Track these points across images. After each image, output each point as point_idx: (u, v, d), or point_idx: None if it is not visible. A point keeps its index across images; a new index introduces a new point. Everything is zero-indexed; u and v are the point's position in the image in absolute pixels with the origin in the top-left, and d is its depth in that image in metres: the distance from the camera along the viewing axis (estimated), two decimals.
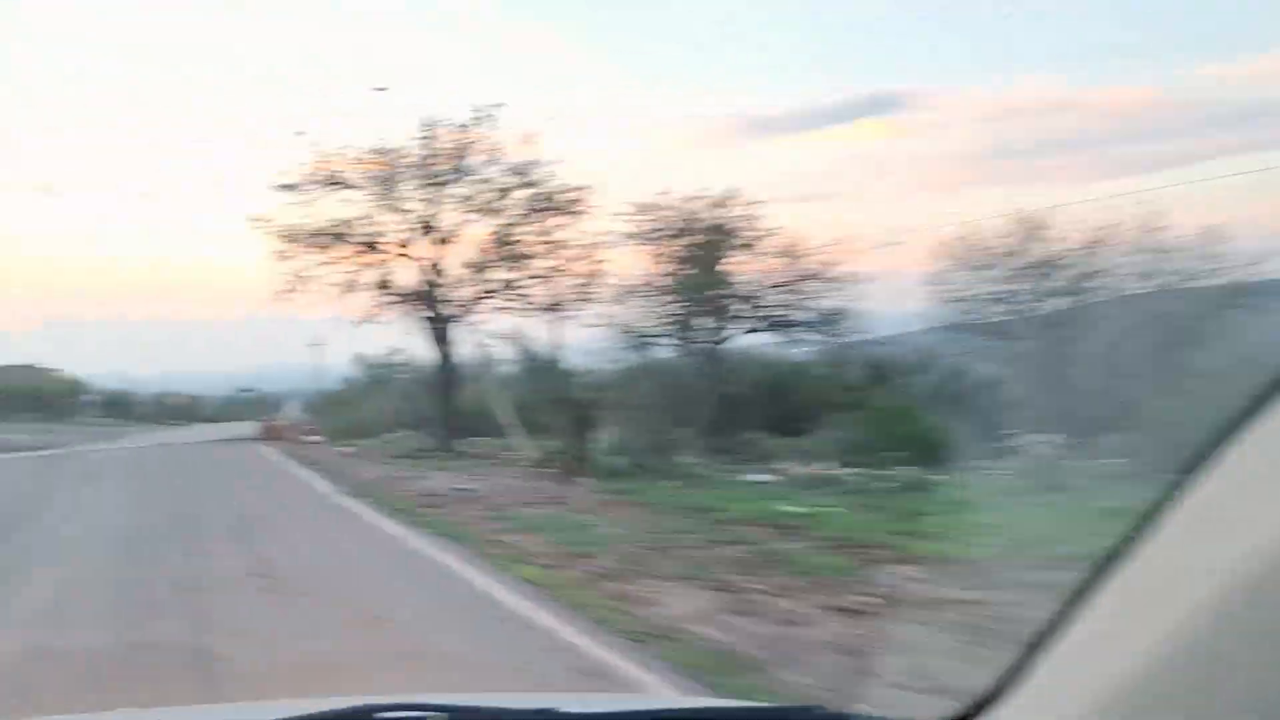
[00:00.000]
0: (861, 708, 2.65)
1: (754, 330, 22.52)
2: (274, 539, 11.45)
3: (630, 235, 22.08)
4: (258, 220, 20.80)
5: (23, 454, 27.22)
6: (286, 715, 1.30)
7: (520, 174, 20.35)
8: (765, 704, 2.22)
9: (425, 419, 25.40)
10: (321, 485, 16.59)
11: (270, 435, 28.46)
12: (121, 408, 65.36)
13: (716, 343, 21.77)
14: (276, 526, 12.48)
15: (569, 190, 20.55)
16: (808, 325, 21.94)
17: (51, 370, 64.72)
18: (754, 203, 22.41)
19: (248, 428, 41.65)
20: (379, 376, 62.17)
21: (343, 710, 1.32)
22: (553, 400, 18.21)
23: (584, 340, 22.01)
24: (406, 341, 21.76)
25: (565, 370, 20.89)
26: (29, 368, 62.63)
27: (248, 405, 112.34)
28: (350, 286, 20.94)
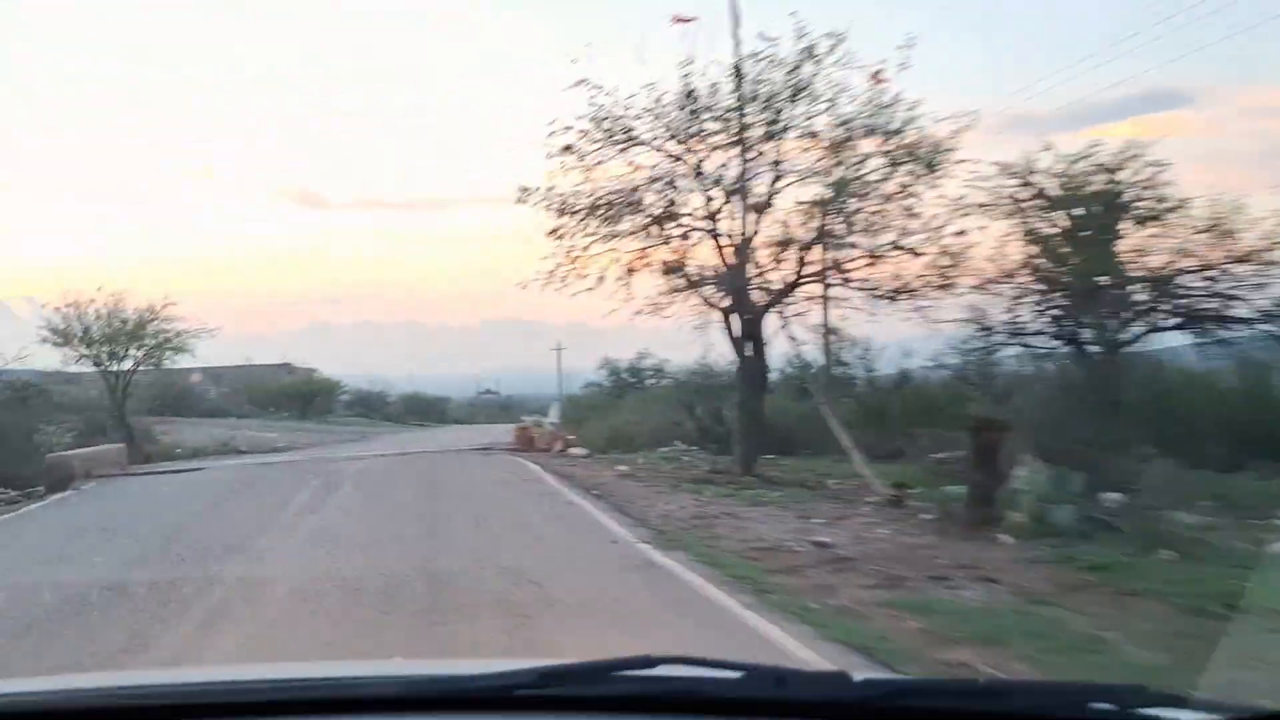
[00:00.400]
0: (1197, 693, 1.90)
1: (1160, 328, 16.59)
2: (566, 626, 7.07)
3: (990, 205, 16.70)
4: (526, 191, 16.66)
5: (264, 457, 24.84)
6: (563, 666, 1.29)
7: (874, 121, 15.27)
8: (1091, 682, 2.15)
9: (704, 430, 21.10)
10: (612, 524, 12.18)
11: (527, 444, 23.69)
12: (372, 406, 65.28)
13: (1118, 344, 15.99)
14: (569, 604, 8.02)
15: (932, 142, 15.29)
16: (1251, 320, 15.80)
17: (308, 369, 65.53)
18: (1158, 165, 16.52)
19: (498, 432, 38.91)
20: (629, 381, 59.09)
21: (631, 658, 1.34)
22: (915, 412, 13.15)
23: (928, 337, 16.73)
24: (698, 339, 16.94)
25: (946, 379, 15.79)
26: (285, 366, 63.56)
27: (489, 408, 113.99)
28: (633, 269, 16.56)
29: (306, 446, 29.19)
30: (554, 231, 16.25)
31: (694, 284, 16.54)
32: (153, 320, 24.65)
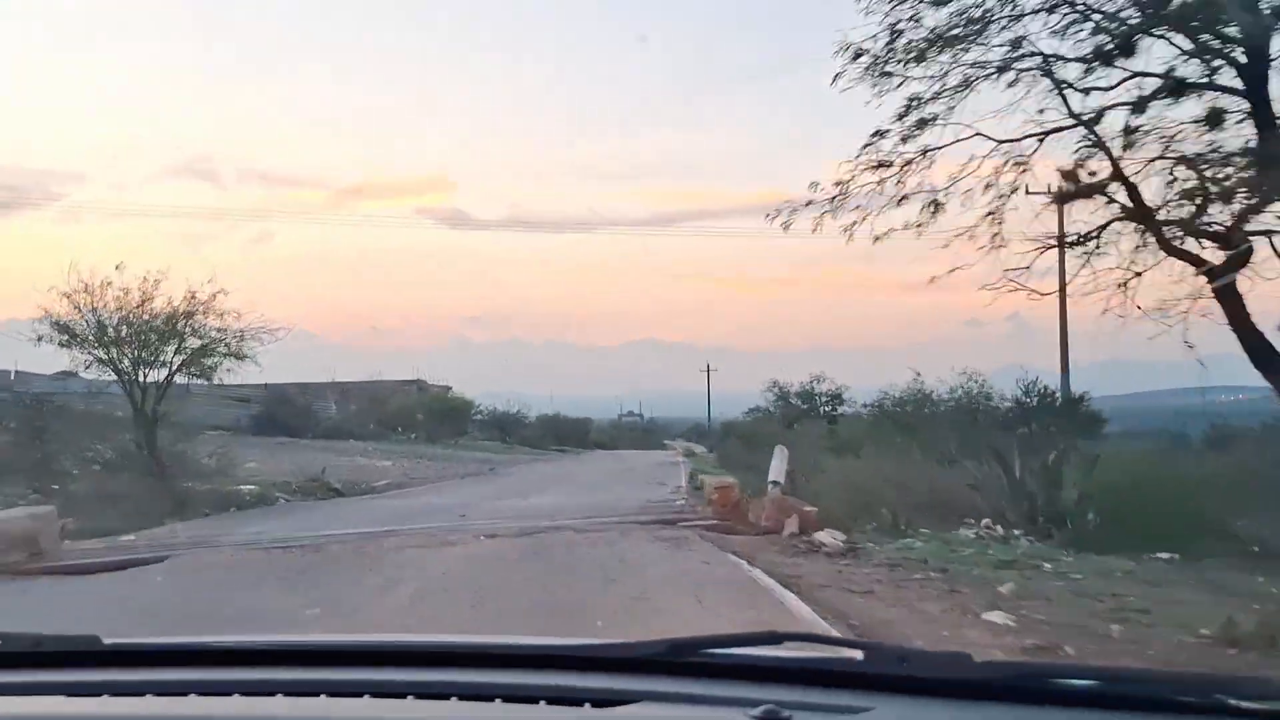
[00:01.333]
0: None
1: None
2: None
3: None
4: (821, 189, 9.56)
5: (338, 511, 18.85)
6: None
7: None
8: (1208, 675, 2.03)
9: (1024, 495, 12.17)
10: None
11: (731, 513, 12.22)
12: (508, 428, 59.83)
13: None
14: None
15: None
16: None
17: (441, 387, 60.65)
18: None
19: (651, 464, 32.49)
20: (799, 407, 51.75)
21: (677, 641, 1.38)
22: None
23: None
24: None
25: None
26: (417, 383, 58.79)
27: (632, 430, 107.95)
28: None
29: (419, 483, 23.17)
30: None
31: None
32: (193, 315, 18.18)
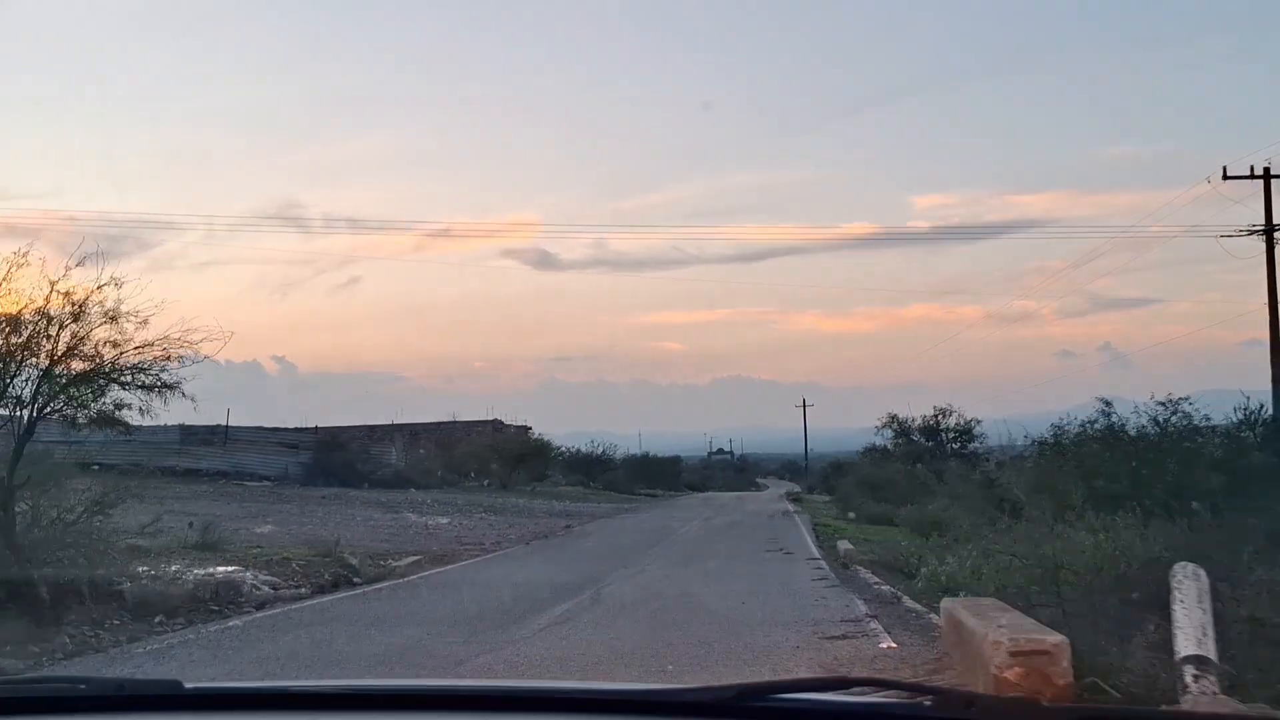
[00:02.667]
0: None
1: None
2: None
3: None
4: None
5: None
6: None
7: None
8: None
9: None
10: None
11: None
12: (592, 471, 54.59)
13: None
14: None
15: None
16: None
17: (520, 427, 55.81)
18: None
19: (755, 510, 26.62)
20: (923, 444, 45.36)
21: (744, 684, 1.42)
22: None
23: None
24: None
25: None
26: (494, 423, 53.98)
27: (724, 468, 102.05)
28: None
29: (463, 554, 17.82)
30: None
31: None
32: (76, 316, 11.35)
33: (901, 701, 1.41)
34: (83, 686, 1.54)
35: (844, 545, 17.61)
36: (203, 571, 13.49)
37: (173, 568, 13.95)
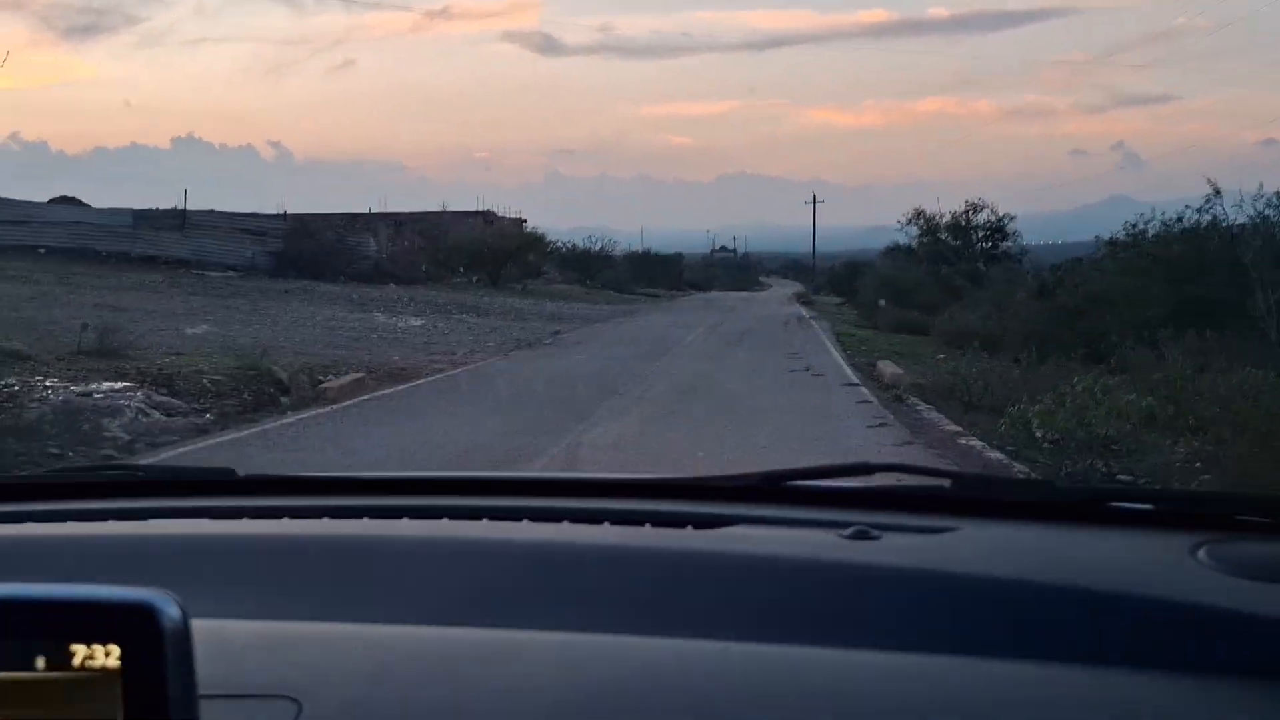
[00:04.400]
0: None
1: None
2: None
3: None
4: None
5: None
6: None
7: None
8: (1269, 495, 2.06)
9: None
10: None
11: None
12: (590, 269, 51.56)
13: None
14: None
15: None
16: None
17: (514, 219, 52.32)
18: None
19: (779, 319, 23.77)
20: (952, 247, 41.94)
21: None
22: None
23: None
24: None
25: None
26: (485, 215, 50.41)
27: (726, 266, 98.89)
28: None
29: (431, 360, 14.92)
30: None
31: None
32: None
33: (921, 484, 1.44)
34: (140, 473, 1.60)
35: (887, 367, 14.65)
36: (80, 389, 10.58)
37: (47, 382, 11.10)
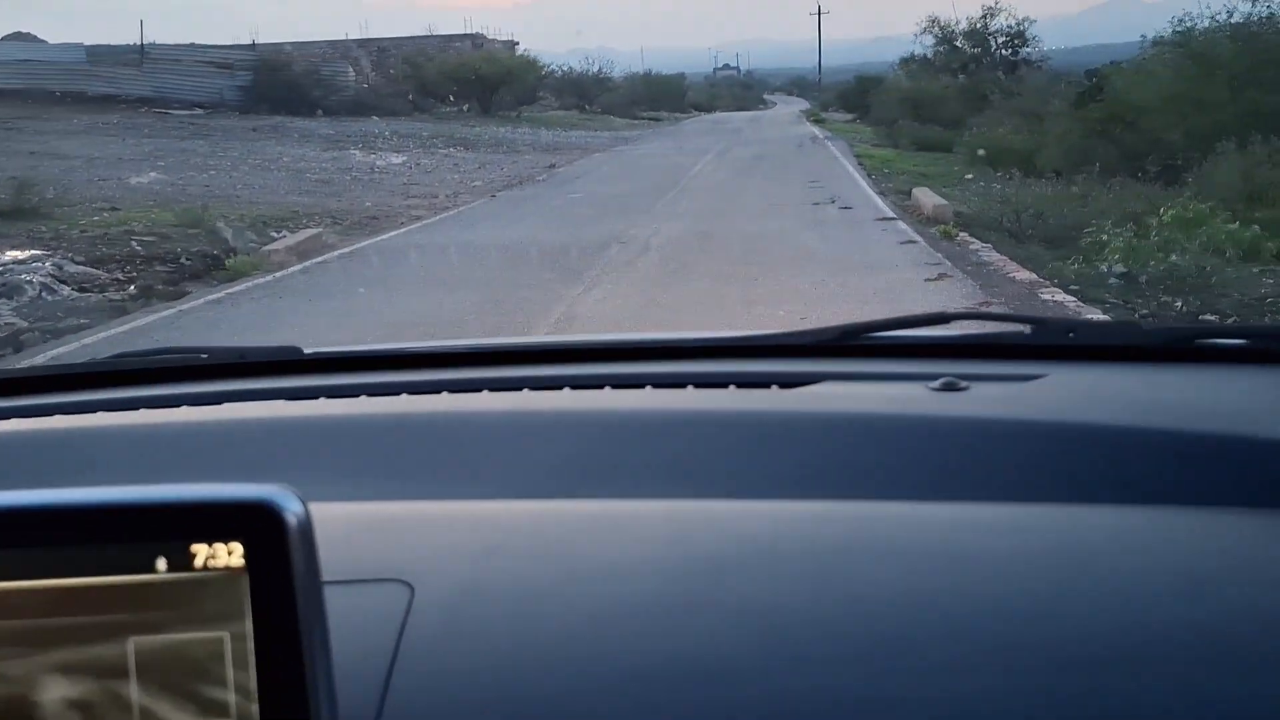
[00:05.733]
0: None
1: None
2: None
3: None
4: None
5: None
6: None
7: None
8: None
9: None
10: None
11: None
12: (589, 92, 48.68)
13: None
14: None
15: None
16: None
17: (507, 43, 49.06)
18: None
19: (793, 141, 21.60)
20: (974, 55, 39.00)
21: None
22: None
23: None
24: None
25: None
26: (475, 38, 47.11)
27: (730, 85, 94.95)
28: None
29: (408, 204, 13.14)
30: None
31: None
32: None
33: (1003, 331, 1.43)
34: (204, 356, 1.50)
35: (926, 196, 12.74)
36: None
37: None
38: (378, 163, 18.76)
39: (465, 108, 36.18)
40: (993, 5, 37.51)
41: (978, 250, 9.17)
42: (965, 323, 1.44)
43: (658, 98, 56.03)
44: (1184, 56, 18.02)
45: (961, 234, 10.02)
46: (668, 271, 8.36)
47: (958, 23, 37.77)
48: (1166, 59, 18.67)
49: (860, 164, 19.33)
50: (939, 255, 8.84)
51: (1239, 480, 0.94)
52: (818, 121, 42.32)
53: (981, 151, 19.23)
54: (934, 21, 37.69)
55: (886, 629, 0.72)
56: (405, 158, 19.89)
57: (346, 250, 9.90)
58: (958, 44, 37.74)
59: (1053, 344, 1.35)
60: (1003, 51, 37.48)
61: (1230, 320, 6.48)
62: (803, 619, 0.73)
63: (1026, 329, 1.37)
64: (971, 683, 0.67)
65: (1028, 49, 37.40)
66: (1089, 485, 0.96)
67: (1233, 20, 17.81)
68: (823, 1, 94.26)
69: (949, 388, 1.17)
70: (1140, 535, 0.86)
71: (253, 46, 33.04)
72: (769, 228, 10.58)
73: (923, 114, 28.53)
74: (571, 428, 1.16)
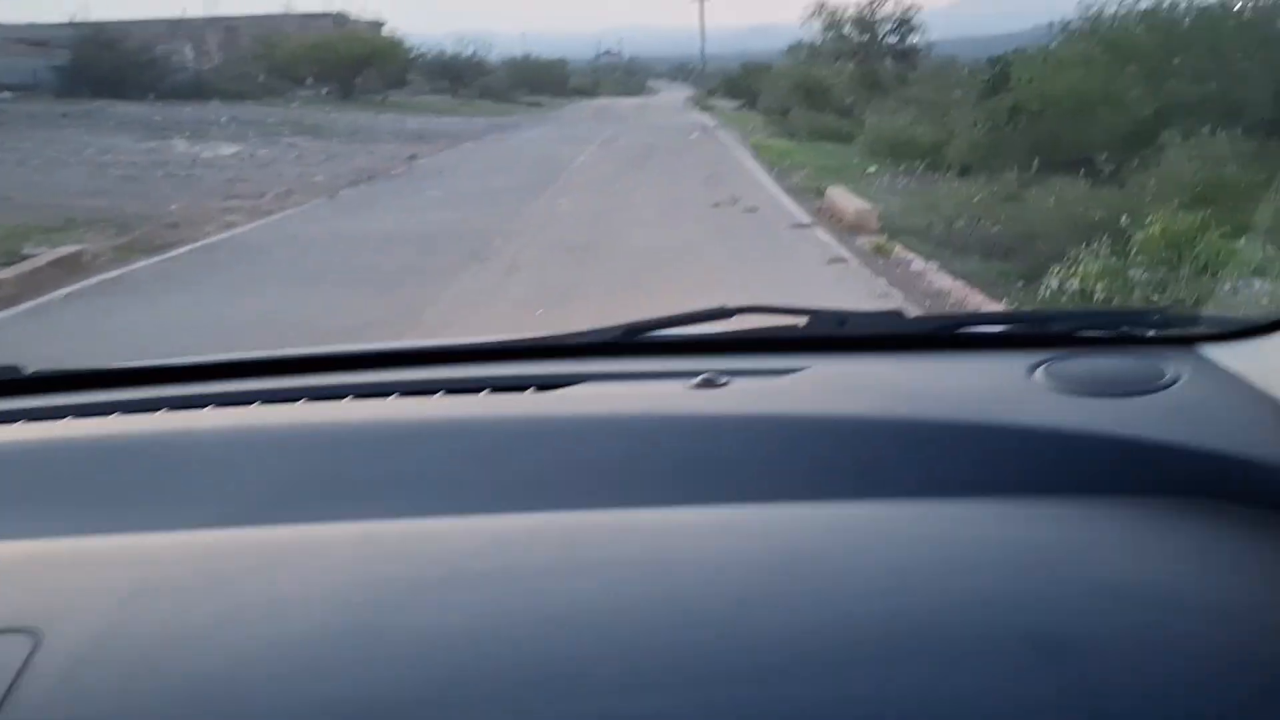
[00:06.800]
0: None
1: None
2: None
3: None
4: None
5: None
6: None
7: None
8: (1112, 309, 2.30)
9: None
10: None
11: None
12: (463, 76, 45.98)
13: None
14: None
15: None
16: None
17: (372, 23, 45.90)
18: None
19: (680, 129, 19.85)
20: (862, 44, 37.78)
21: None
22: None
23: None
24: None
25: None
26: (336, 16, 43.85)
27: (612, 71, 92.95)
28: None
29: (224, 208, 10.74)
30: None
31: None
32: None
33: (775, 325, 1.41)
34: None
35: (844, 199, 10.80)
36: None
37: None
38: (203, 154, 16.09)
39: (325, 92, 33.24)
40: None
41: (922, 272, 7.33)
42: (749, 316, 1.34)
43: (539, 83, 53.62)
44: (1095, 45, 16.73)
45: (898, 249, 8.19)
46: (536, 305, 6.29)
47: (845, 9, 36.73)
48: (1078, 48, 17.39)
49: (758, 156, 17.55)
50: (880, 281, 6.98)
51: (982, 468, 0.92)
52: (705, 109, 40.73)
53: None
54: (821, 6, 36.57)
55: (586, 646, 0.69)
56: (240, 148, 17.24)
57: (111, 276, 7.47)
58: (845, 31, 36.67)
59: (821, 336, 1.35)
60: (890, 39, 36.61)
61: None
62: (500, 643, 0.70)
63: (801, 321, 1.35)
64: (657, 700, 0.65)
65: (915, 36, 36.61)
66: (837, 480, 0.93)
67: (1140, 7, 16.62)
68: None
69: (707, 384, 1.14)
70: (886, 530, 0.84)
71: (73, 25, 29.46)
72: (665, 240, 8.57)
73: (815, 102, 27.11)
74: (300, 444, 1.07)
